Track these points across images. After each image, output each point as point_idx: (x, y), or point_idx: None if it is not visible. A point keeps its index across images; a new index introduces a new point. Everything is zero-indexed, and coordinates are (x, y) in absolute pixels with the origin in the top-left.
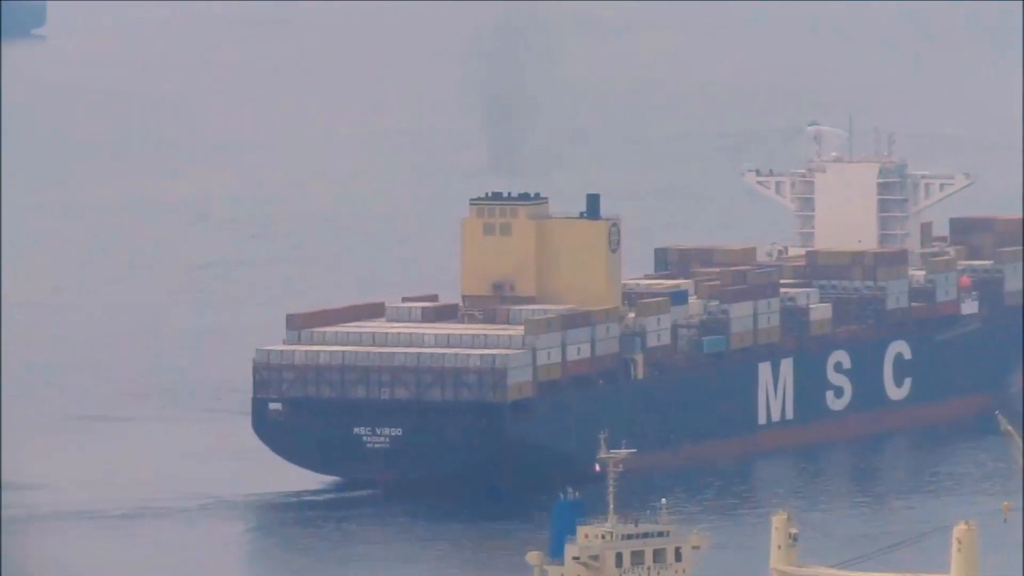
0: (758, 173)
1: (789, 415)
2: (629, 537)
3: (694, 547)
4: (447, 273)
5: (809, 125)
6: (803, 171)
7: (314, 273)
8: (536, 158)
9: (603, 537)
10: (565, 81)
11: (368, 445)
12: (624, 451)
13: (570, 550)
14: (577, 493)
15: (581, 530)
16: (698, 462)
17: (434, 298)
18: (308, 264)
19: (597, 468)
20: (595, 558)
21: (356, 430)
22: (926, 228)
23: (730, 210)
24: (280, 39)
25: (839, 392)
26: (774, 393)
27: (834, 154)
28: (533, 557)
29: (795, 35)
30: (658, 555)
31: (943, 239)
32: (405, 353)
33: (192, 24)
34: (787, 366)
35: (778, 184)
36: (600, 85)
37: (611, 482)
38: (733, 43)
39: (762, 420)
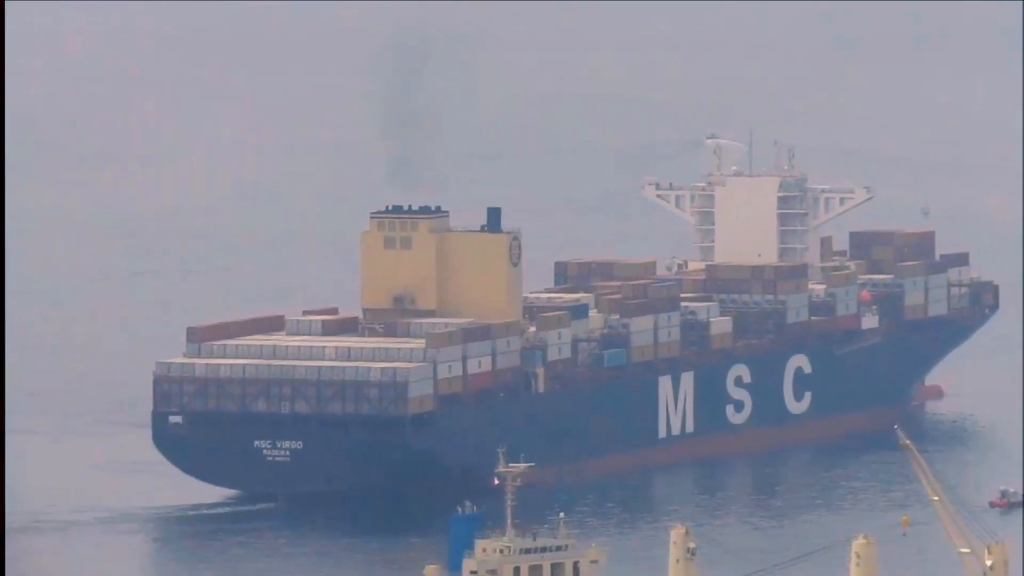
0: (658, 187)
1: (689, 429)
2: (527, 551)
3: (592, 561)
4: (347, 286)
5: (708, 138)
6: (703, 185)
7: (212, 286)
8: (437, 171)
9: (501, 551)
10: (465, 95)
11: (268, 458)
12: (522, 465)
13: (468, 564)
14: (475, 507)
15: (479, 544)
16: (599, 476)
17: (334, 311)
18: (206, 277)
19: (496, 482)
20: (493, 572)
21: (257, 443)
22: (826, 242)
23: (630, 224)
24: (183, 51)
25: (739, 406)
26: (674, 407)
27: (734, 168)
28: (431, 571)
29: (696, 49)
30: (556, 569)
31: (842, 253)
32: (306, 366)
33: (98, 35)
34: (688, 380)
35: (678, 198)
36: (499, 99)
37: (509, 496)
38: (634, 56)
39: (662, 434)
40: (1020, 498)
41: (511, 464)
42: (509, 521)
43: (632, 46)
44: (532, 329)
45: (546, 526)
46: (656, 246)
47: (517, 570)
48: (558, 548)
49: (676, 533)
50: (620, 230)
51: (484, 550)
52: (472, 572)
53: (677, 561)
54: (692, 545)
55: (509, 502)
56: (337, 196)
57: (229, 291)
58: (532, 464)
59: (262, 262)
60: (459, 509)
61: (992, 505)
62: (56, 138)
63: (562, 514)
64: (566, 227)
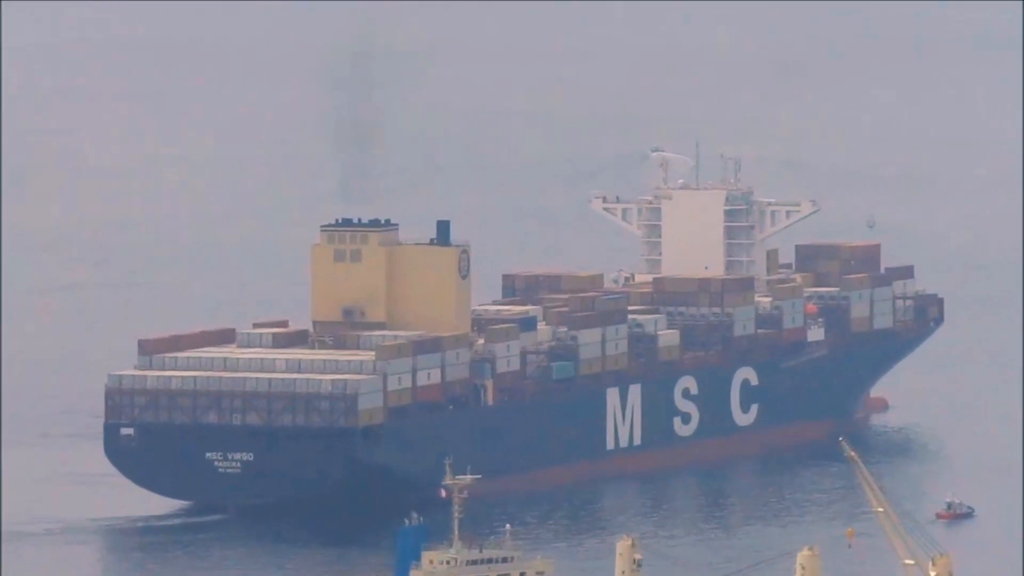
0: (605, 200)
1: (637, 441)
2: (473, 562)
3: (538, 572)
4: (297, 299)
5: (652, 151)
6: (650, 198)
7: (159, 299)
8: (386, 184)
9: (447, 562)
10: (412, 109)
11: (220, 470)
12: (469, 477)
13: (415, 575)
14: (421, 519)
15: (426, 555)
16: (548, 487)
17: (284, 324)
18: (152, 290)
19: (443, 493)
20: None
21: (208, 455)
22: (772, 255)
23: (576, 237)
24: (130, 65)
25: (687, 418)
26: (622, 419)
27: (681, 181)
28: None
29: (642, 63)
30: None
31: (788, 266)
32: (256, 378)
33: (44, 48)
34: (635, 392)
35: (625, 211)
36: (445, 113)
37: (456, 508)
38: (582, 70)
39: (610, 446)
40: (966, 509)
41: (457, 476)
42: (456, 533)
43: (580, 59)
44: (481, 342)
45: (492, 537)
46: (602, 259)
47: None
48: (504, 560)
49: (622, 545)
50: (567, 243)
51: (431, 562)
52: None
53: (623, 573)
54: (638, 557)
55: (456, 514)
56: (284, 209)
57: (177, 304)
58: (478, 476)
59: (210, 275)
60: (406, 521)
61: (939, 517)
62: (12, 154)
63: (508, 526)
64: (513, 240)
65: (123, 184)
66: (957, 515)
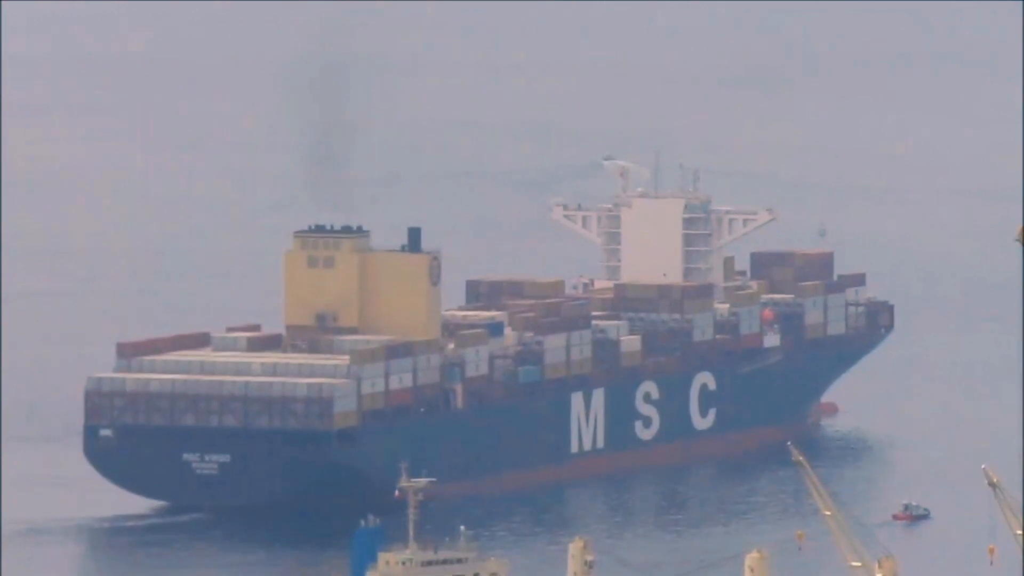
0: (565, 208)
1: (600, 444)
2: (429, 564)
3: (492, 574)
4: (266, 304)
5: (605, 160)
6: (609, 206)
7: (133, 304)
8: (356, 191)
9: (403, 563)
10: (377, 117)
11: (197, 471)
12: (423, 480)
13: None
14: (378, 520)
15: (382, 557)
16: (513, 490)
17: (256, 328)
18: (125, 296)
19: (398, 495)
20: None
21: (185, 456)
22: (728, 262)
23: (535, 244)
24: (102, 73)
25: (648, 422)
26: (586, 423)
27: (640, 189)
28: None
29: (603, 74)
30: None
31: (743, 273)
32: (233, 381)
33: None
34: (599, 396)
35: (584, 218)
36: (402, 123)
37: (412, 509)
38: (543, 82)
39: (575, 449)
40: (922, 512)
41: (413, 479)
42: (411, 534)
43: (541, 71)
44: (451, 346)
45: (447, 539)
46: (561, 266)
47: None
48: (459, 560)
49: (574, 547)
50: (527, 250)
51: (387, 563)
52: None
53: (575, 574)
54: (590, 558)
55: (412, 515)
56: (253, 216)
57: (149, 309)
58: (434, 479)
59: (180, 281)
60: (362, 523)
61: (896, 518)
62: None
63: (463, 527)
64: (474, 247)
65: (94, 192)
66: (914, 517)
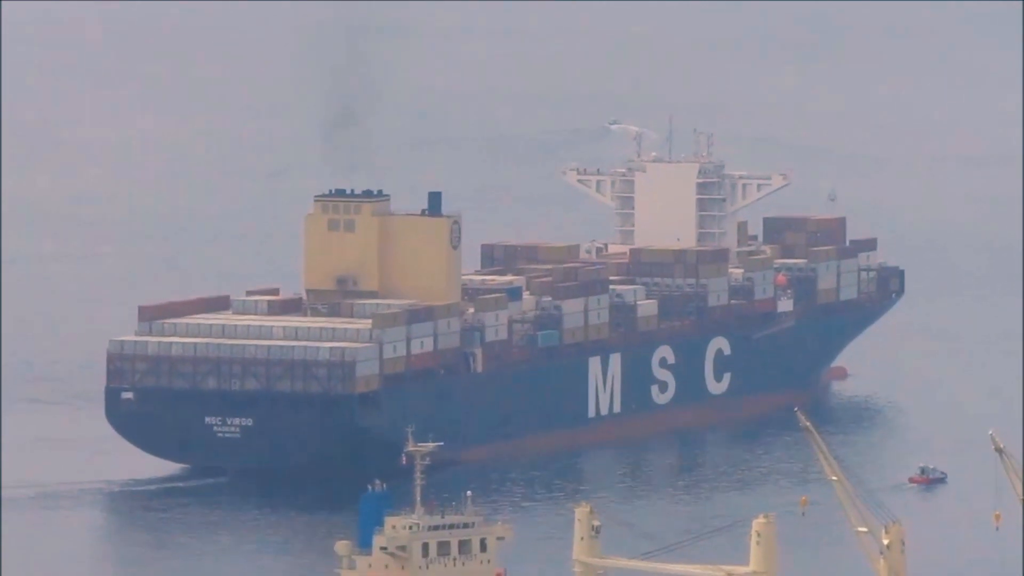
0: (579, 172)
1: (616, 409)
2: (435, 528)
3: (499, 538)
4: (285, 267)
5: (611, 124)
6: (623, 170)
7: (152, 268)
8: (375, 156)
9: (410, 528)
10: (388, 84)
11: (219, 434)
12: (430, 444)
13: (378, 540)
14: (385, 485)
15: (389, 521)
16: (531, 455)
17: (275, 292)
18: (144, 259)
19: (404, 460)
20: (402, 548)
21: (207, 419)
22: (741, 227)
23: (546, 208)
24: (120, 39)
25: (663, 387)
26: (603, 387)
27: (654, 154)
28: (341, 547)
29: (619, 41)
30: (464, 546)
31: (754, 238)
32: (256, 345)
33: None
34: (616, 361)
35: (598, 183)
36: (415, 89)
37: (418, 474)
38: (558, 48)
39: (592, 413)
40: (939, 475)
41: (419, 443)
42: (418, 499)
43: (558, 38)
44: (471, 311)
45: (453, 503)
46: (572, 229)
47: (426, 546)
48: (465, 525)
49: (580, 511)
50: (537, 215)
51: (393, 527)
52: (381, 548)
53: (582, 539)
54: (596, 523)
55: (418, 480)
56: (274, 181)
57: (167, 273)
58: (440, 444)
59: (198, 245)
60: (369, 487)
61: (912, 482)
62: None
63: (469, 492)
64: (484, 212)
65: (112, 158)
66: (931, 480)
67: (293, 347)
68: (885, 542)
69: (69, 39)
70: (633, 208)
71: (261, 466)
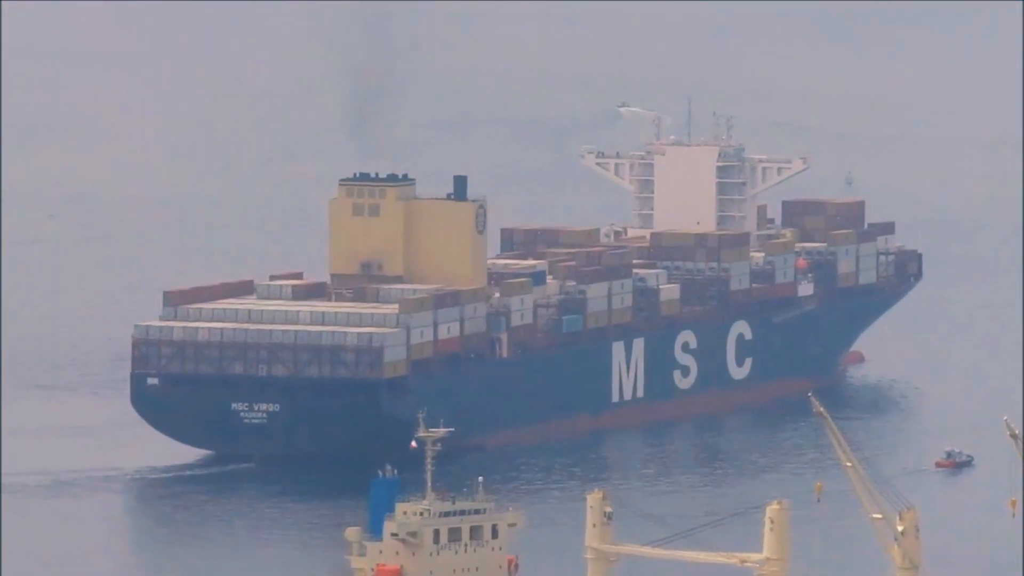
0: (598, 155)
1: (640, 393)
2: (447, 514)
3: (510, 524)
4: (307, 252)
5: (620, 107)
6: (642, 153)
7: (175, 253)
8: (401, 139)
9: (421, 514)
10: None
11: (245, 420)
12: (441, 430)
13: (388, 527)
14: (395, 471)
15: (400, 507)
16: (554, 440)
17: (299, 276)
18: (166, 244)
19: (414, 445)
20: (413, 534)
21: (234, 405)
22: (761, 211)
23: (563, 191)
24: (140, 24)
25: (686, 371)
26: (627, 372)
27: (673, 137)
28: (351, 533)
29: (640, 24)
30: (475, 532)
31: (772, 221)
32: (283, 330)
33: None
34: (639, 346)
35: (617, 166)
36: (433, 72)
37: (429, 460)
38: (570, 33)
39: (615, 398)
40: (965, 458)
41: (430, 429)
42: (429, 485)
43: (574, 22)
44: (497, 295)
45: (464, 489)
46: (590, 213)
47: (437, 532)
48: (476, 511)
49: (593, 498)
50: (555, 198)
51: (404, 513)
52: (392, 534)
53: (594, 525)
54: (609, 509)
55: (429, 466)
56: (295, 164)
57: (189, 258)
58: (452, 429)
59: (220, 230)
60: (380, 473)
61: (939, 466)
62: (15, 112)
63: (480, 478)
64: (502, 195)
65: (136, 143)
66: (957, 464)
67: (320, 332)
68: (900, 528)
69: (93, 25)
70: (652, 192)
71: (287, 452)
